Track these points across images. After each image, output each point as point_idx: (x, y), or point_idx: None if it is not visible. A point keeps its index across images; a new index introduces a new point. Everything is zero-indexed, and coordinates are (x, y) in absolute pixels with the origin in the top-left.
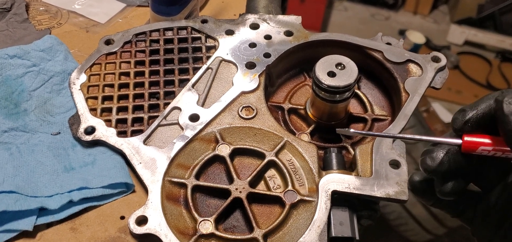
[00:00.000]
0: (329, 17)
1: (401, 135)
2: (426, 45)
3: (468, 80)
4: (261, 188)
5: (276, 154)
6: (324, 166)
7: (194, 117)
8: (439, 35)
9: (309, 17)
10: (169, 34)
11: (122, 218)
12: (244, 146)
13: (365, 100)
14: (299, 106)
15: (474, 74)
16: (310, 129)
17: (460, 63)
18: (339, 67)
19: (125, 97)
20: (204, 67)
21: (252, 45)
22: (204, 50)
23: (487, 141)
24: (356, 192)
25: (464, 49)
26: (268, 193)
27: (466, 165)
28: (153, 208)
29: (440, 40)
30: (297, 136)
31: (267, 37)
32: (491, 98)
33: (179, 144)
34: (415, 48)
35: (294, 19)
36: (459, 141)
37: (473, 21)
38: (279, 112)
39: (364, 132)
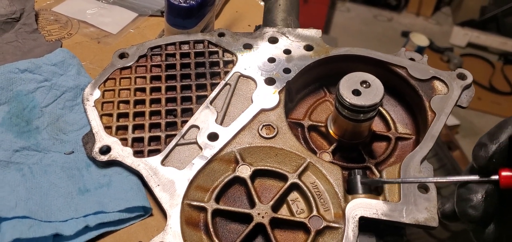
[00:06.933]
0: (331, 18)
1: (433, 179)
2: (429, 48)
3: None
4: (284, 213)
5: (299, 176)
6: (349, 189)
7: (213, 136)
8: (442, 37)
9: (311, 18)
10: (185, 48)
11: None
12: (265, 167)
13: (388, 118)
14: (320, 124)
15: (477, 77)
16: (332, 147)
17: (463, 66)
18: (364, 85)
19: (141, 114)
20: (222, 83)
21: (272, 60)
22: (221, 65)
23: None
24: (385, 218)
25: (466, 51)
26: (292, 218)
27: (504, 200)
28: (172, 234)
29: (443, 42)
30: (318, 155)
31: (287, 51)
32: (509, 125)
33: (198, 165)
34: (419, 51)
35: (314, 33)
36: (496, 177)
37: (476, 23)
38: (299, 129)
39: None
